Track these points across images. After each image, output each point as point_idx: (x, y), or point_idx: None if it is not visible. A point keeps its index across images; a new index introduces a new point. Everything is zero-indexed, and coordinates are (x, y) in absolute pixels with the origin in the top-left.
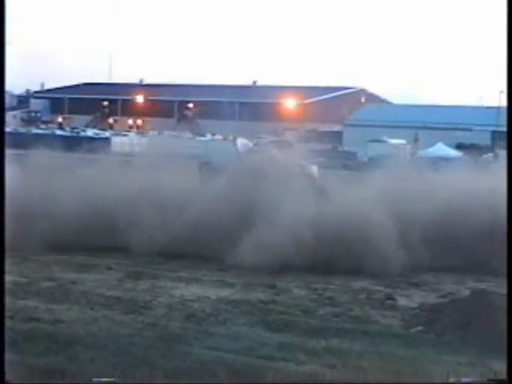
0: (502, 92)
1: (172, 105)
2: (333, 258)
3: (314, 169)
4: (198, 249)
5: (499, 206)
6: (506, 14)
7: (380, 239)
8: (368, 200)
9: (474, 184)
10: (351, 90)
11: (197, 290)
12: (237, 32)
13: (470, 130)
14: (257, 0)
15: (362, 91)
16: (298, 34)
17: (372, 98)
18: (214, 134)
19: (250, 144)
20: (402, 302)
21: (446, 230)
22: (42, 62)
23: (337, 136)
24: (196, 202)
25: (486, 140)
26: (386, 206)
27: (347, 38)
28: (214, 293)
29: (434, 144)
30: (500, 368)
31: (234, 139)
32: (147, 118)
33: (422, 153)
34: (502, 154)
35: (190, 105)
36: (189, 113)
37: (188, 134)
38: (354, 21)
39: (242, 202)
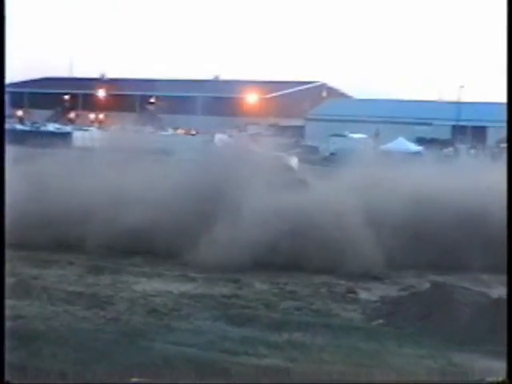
0: (462, 87)
1: (134, 99)
2: (303, 255)
3: (294, 160)
4: (159, 245)
5: (466, 200)
6: (506, 14)
7: (352, 237)
8: (336, 196)
9: (438, 179)
10: (313, 85)
11: (159, 285)
12: (199, 26)
13: (430, 124)
14: None
15: (324, 86)
16: (259, 28)
17: (333, 92)
18: (175, 129)
19: (229, 139)
20: (362, 295)
21: (412, 225)
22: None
23: (299, 130)
24: (159, 197)
25: (446, 134)
26: (354, 202)
27: (309, 32)
28: (176, 287)
29: (394, 138)
30: (460, 360)
31: (212, 134)
32: (109, 113)
33: (383, 147)
34: (462, 148)
35: (152, 99)
36: (151, 107)
37: (150, 129)
38: (317, 15)
39: (212, 196)
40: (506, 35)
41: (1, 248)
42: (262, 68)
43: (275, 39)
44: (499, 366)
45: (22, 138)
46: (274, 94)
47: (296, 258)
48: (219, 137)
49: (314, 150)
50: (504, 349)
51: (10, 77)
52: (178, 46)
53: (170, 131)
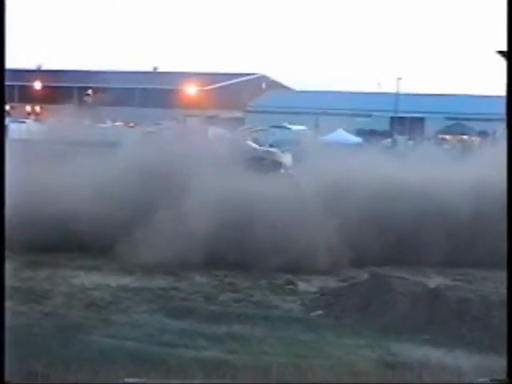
0: (400, 79)
1: (71, 91)
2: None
3: (287, 157)
4: (96, 240)
5: (410, 192)
6: (506, 13)
7: (304, 231)
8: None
9: (382, 171)
10: (252, 77)
11: (97, 279)
12: (137, 17)
13: (369, 115)
14: None
15: (263, 78)
16: (198, 19)
17: (273, 84)
18: (114, 121)
19: (226, 133)
20: (302, 286)
21: (363, 216)
22: None
23: (238, 122)
24: (98, 190)
25: (384, 126)
26: (301, 194)
27: (249, 23)
28: (114, 281)
29: (334, 130)
30: (397, 350)
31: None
32: (46, 105)
33: (322, 139)
34: (400, 139)
35: (90, 91)
36: (89, 99)
37: (88, 121)
38: (256, 7)
39: (160, 189)
40: (506, 35)
41: (1, 248)
42: (201, 59)
43: (214, 30)
44: (437, 355)
45: None
46: (213, 86)
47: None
48: (213, 130)
49: (253, 141)
50: (442, 338)
51: None
52: (117, 37)
53: (109, 123)
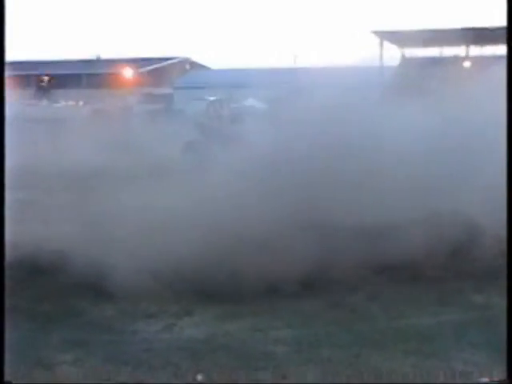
0: (296, 56)
1: (29, 78)
2: None
3: None
4: None
5: None
6: (506, 13)
7: None
8: None
9: None
10: (178, 59)
11: None
12: (79, 15)
13: (270, 87)
14: None
15: (187, 60)
16: (131, 11)
17: (195, 65)
18: (67, 101)
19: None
20: None
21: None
22: None
23: (169, 97)
24: None
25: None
26: None
27: (173, 13)
28: None
29: (245, 99)
30: None
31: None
32: (9, 90)
33: (235, 105)
34: None
35: (45, 77)
36: (44, 84)
37: (45, 102)
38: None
39: None
40: (506, 33)
41: (1, 247)
42: (135, 46)
43: (144, 21)
44: None
45: None
46: (146, 69)
47: None
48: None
49: (180, 112)
50: None
51: None
52: (62, 28)
53: (62, 103)
